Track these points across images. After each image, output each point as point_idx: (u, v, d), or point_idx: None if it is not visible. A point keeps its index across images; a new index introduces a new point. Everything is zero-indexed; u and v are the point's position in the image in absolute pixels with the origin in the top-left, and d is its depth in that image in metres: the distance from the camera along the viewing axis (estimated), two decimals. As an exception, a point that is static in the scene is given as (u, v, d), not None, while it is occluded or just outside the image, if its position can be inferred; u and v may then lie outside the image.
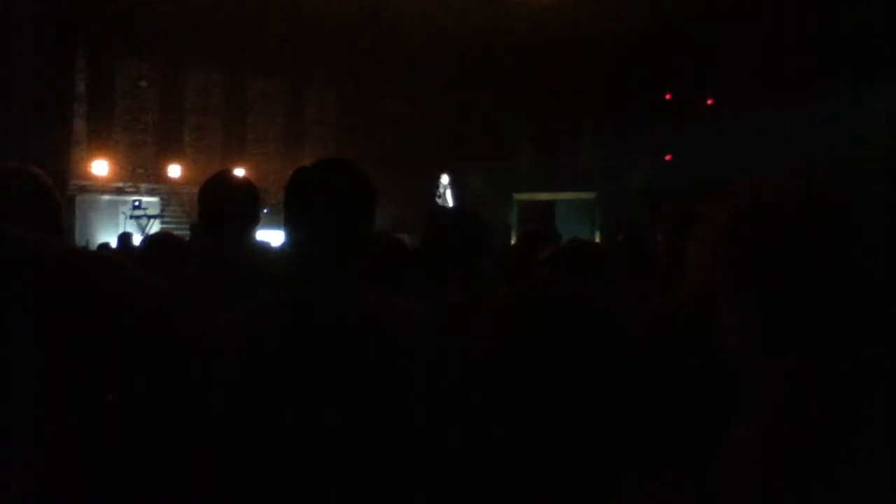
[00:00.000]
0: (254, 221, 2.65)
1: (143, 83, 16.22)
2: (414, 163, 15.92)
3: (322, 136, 18.09)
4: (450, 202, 15.22)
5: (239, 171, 12.41)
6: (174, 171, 15.90)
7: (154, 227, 13.47)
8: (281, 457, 1.51)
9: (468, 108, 15.57)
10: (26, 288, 0.76)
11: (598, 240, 12.79)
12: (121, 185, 15.28)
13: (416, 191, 15.21)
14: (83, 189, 14.51)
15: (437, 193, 15.24)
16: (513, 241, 10.50)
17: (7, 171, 1.94)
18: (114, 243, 9.30)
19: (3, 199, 1.85)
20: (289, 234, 1.73)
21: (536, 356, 1.34)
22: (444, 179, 15.34)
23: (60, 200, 2.02)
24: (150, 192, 15.56)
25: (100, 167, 15.00)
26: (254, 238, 2.80)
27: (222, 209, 2.52)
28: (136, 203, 14.56)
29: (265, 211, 4.27)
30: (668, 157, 14.07)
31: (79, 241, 11.53)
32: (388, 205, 14.87)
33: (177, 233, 8.72)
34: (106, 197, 14.80)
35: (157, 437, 0.85)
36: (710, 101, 13.79)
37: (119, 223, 14.01)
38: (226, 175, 2.68)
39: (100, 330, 0.78)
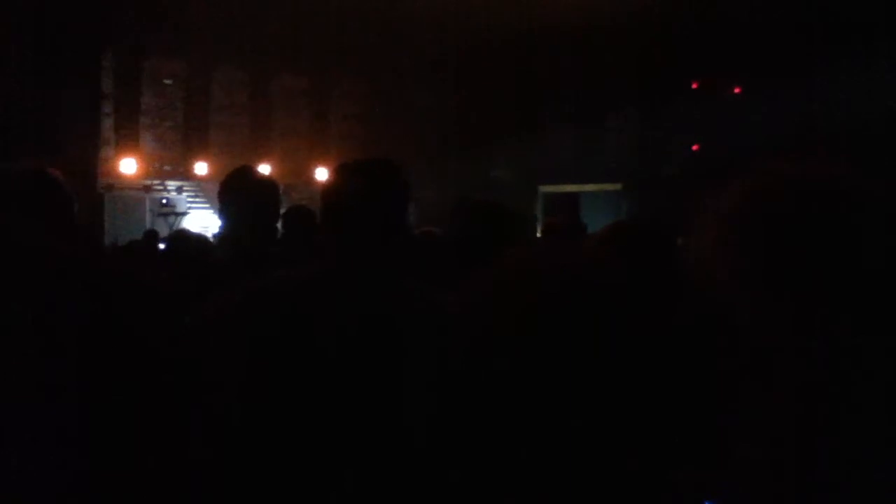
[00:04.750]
0: (274, 217, 2.64)
1: (169, 81, 16.38)
2: (440, 155, 15.91)
3: (347, 131, 18.14)
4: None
5: (265, 168, 12.52)
6: (201, 168, 16.05)
7: (181, 224, 13.60)
8: (287, 453, 1.51)
9: (492, 100, 15.51)
10: (23, 290, 0.75)
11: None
12: (148, 182, 15.44)
13: (443, 183, 15.19)
14: (112, 187, 14.69)
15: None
16: (538, 234, 10.44)
17: (23, 171, 1.96)
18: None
19: (13, 201, 1.88)
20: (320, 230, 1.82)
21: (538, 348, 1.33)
22: None
23: (74, 201, 2.04)
24: (178, 190, 15.72)
25: (128, 165, 15.18)
26: (275, 233, 2.79)
27: (242, 205, 2.51)
28: (164, 200, 14.71)
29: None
30: (695, 147, 13.91)
31: (108, 238, 11.67)
32: (415, 198, 14.89)
33: (204, 229, 8.79)
34: (134, 194, 14.96)
35: (160, 431, 0.84)
36: (737, 90, 13.60)
37: (147, 220, 14.16)
38: (246, 171, 2.67)
39: (97, 330, 0.76)
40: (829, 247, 1.06)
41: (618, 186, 14.99)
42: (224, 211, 2.60)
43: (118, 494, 0.74)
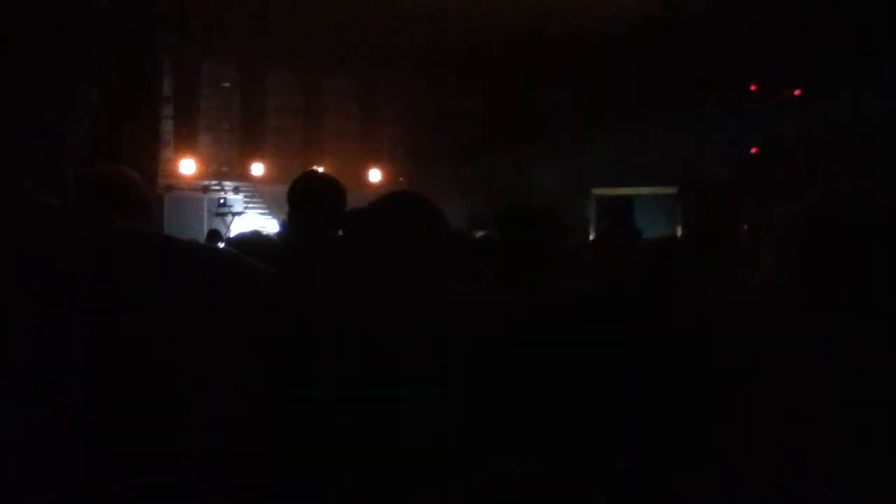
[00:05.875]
0: (340, 219, 2.70)
1: (226, 84, 16.70)
2: (489, 159, 15.89)
3: (398, 133, 18.28)
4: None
5: (318, 170, 12.59)
6: (257, 168, 16.33)
7: (238, 224, 13.85)
8: (297, 456, 1.53)
9: (542, 102, 15.44)
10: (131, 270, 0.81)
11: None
12: (206, 183, 15.76)
13: (493, 186, 15.19)
14: (171, 187, 15.03)
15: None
16: (591, 237, 10.39)
17: (105, 174, 2.06)
18: (201, 240, 9.56)
19: (101, 198, 1.97)
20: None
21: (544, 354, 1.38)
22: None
23: (150, 198, 2.14)
24: (235, 190, 16.02)
25: (186, 166, 15.52)
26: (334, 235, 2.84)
27: (310, 206, 2.58)
28: (221, 200, 15.00)
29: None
30: (753, 150, 13.66)
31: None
32: (465, 200, 14.94)
33: (260, 230, 8.97)
34: (192, 194, 15.28)
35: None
36: (797, 92, 13.31)
37: (204, 220, 14.45)
38: (314, 174, 2.74)
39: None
40: (881, 260, 1.07)
41: (673, 190, 14.79)
42: (290, 213, 2.67)
43: (120, 494, 0.76)
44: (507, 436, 1.46)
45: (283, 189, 2.90)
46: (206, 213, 14.82)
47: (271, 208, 15.13)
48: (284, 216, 2.79)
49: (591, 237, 10.48)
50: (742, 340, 1.23)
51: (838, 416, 1.07)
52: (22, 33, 0.72)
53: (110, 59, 0.82)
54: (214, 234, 7.51)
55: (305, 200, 2.58)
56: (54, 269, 0.72)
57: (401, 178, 16.51)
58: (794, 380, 1.12)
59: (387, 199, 1.88)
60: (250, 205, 15.83)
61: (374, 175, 17.35)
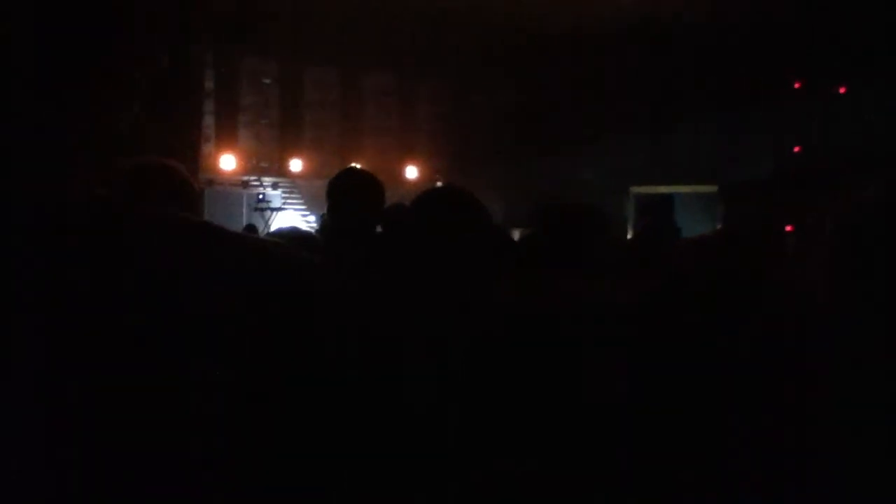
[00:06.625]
0: (378, 215, 2.71)
1: (267, 80, 16.87)
2: (527, 156, 15.83)
3: (435, 130, 18.30)
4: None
5: (357, 166, 12.66)
6: (295, 165, 16.48)
7: (276, 219, 13.98)
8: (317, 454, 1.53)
9: (582, 99, 15.34)
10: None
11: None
12: (245, 178, 15.94)
13: (529, 184, 15.13)
14: (211, 182, 15.22)
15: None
16: (629, 236, 10.31)
17: (152, 165, 2.08)
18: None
19: (150, 190, 1.99)
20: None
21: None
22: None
23: (197, 191, 2.16)
24: (273, 186, 16.17)
25: (227, 161, 15.71)
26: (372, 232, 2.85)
27: (349, 203, 2.59)
28: (260, 196, 15.15)
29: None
30: (796, 149, 13.41)
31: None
32: (501, 198, 14.91)
33: (298, 225, 9.06)
34: (232, 189, 15.46)
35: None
36: (842, 90, 13.02)
37: (243, 215, 14.62)
38: (353, 170, 2.76)
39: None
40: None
41: (713, 188, 14.58)
42: (329, 209, 2.69)
43: (121, 494, 0.76)
44: (507, 436, 1.46)
45: (321, 185, 2.92)
46: (245, 209, 15.00)
47: (309, 204, 15.25)
48: (323, 212, 2.81)
49: (630, 235, 10.39)
50: (761, 340, 1.22)
51: (838, 416, 1.06)
52: (23, 32, 0.71)
53: (151, 53, 0.82)
54: (251, 229, 7.63)
55: (344, 196, 2.59)
56: (55, 267, 0.72)
57: (437, 176, 16.53)
58: (794, 380, 1.11)
59: (428, 195, 1.87)
60: (289, 201, 15.97)
61: (411, 172, 17.40)
